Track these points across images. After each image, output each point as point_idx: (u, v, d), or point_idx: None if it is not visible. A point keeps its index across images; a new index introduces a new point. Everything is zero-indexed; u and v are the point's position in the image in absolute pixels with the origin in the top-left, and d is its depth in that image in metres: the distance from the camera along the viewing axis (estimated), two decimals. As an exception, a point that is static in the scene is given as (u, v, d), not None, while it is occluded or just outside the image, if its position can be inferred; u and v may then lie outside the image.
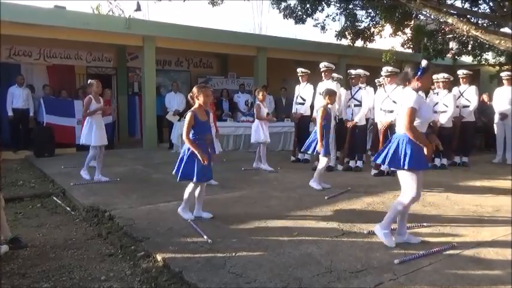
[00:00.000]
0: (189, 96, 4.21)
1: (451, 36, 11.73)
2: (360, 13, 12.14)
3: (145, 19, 11.70)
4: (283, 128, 9.92)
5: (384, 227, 3.48)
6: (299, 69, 7.86)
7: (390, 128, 6.18)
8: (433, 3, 8.46)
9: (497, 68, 13.20)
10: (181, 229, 3.85)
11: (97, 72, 11.26)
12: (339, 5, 11.76)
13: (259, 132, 7.13)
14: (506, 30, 9.25)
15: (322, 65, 7.18)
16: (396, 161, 3.33)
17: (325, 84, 7.04)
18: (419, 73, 3.31)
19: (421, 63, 3.34)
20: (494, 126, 8.39)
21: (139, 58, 10.79)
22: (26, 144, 8.85)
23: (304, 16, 11.43)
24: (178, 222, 4.06)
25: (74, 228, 4.20)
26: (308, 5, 11.07)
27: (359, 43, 12.43)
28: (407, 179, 3.35)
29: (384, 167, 6.23)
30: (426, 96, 7.44)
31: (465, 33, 8.74)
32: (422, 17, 11.02)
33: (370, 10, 11.77)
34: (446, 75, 7.60)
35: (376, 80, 8.03)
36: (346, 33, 12.11)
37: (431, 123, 7.10)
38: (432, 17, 9.49)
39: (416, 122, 3.28)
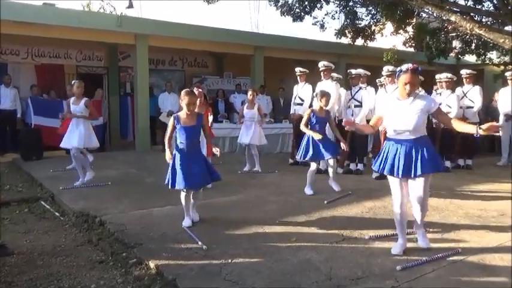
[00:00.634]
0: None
1: (454, 34, 11.78)
2: (360, 11, 12.16)
3: (137, 16, 11.70)
4: (281, 129, 9.93)
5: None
6: (297, 69, 7.88)
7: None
8: (436, 1, 8.49)
9: (502, 67, 13.26)
10: (175, 235, 3.84)
11: (87, 72, 11.23)
12: (338, 2, 11.78)
13: (243, 134, 7.26)
14: (510, 28, 9.30)
15: (321, 64, 7.20)
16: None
17: (324, 84, 7.07)
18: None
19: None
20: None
21: (132, 57, 10.76)
22: (13, 146, 8.80)
23: (302, 14, 11.44)
24: (172, 227, 4.05)
25: (63, 234, 4.17)
26: (306, 2, 11.09)
27: (359, 42, 12.45)
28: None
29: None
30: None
31: (468, 31, 8.79)
32: (424, 15, 11.07)
33: (371, 7, 11.80)
34: (449, 75, 7.63)
35: (377, 80, 8.06)
36: (346, 31, 12.13)
37: (433, 125, 7.13)
38: (434, 14, 9.54)
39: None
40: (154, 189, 5.74)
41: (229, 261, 3.23)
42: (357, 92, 7.07)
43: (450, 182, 6.40)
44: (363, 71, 7.44)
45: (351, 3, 11.77)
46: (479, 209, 4.83)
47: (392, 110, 3.37)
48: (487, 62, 13.65)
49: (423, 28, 11.14)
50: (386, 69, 6.68)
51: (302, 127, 5.52)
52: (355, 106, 7.01)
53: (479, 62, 13.53)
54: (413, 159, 3.28)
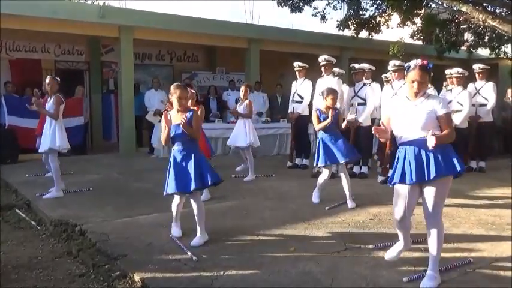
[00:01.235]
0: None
1: (465, 26, 11.86)
2: (364, 0, 12.24)
3: (121, 7, 11.69)
4: (278, 129, 9.93)
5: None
6: (296, 64, 7.89)
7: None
8: (446, -10, 8.56)
9: (517, 62, 13.37)
10: (163, 245, 3.84)
11: (67, 68, 11.20)
12: (340, -9, 11.87)
13: (238, 136, 7.16)
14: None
15: (322, 59, 7.21)
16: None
17: (325, 80, 7.07)
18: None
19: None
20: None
21: (115, 51, 10.75)
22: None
23: (301, 4, 11.48)
24: (159, 237, 4.05)
25: (39, 245, 4.16)
26: (305, -9, 11.15)
27: (363, 34, 12.51)
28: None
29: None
30: (438, 94, 7.50)
31: (481, 23, 8.86)
32: (433, 5, 11.13)
33: (376, -3, 11.88)
34: (460, 70, 7.65)
35: (382, 76, 8.09)
36: (349, 23, 12.18)
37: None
38: (445, 5, 9.61)
39: None
40: (140, 195, 5.73)
41: (222, 273, 3.23)
42: (360, 88, 7.09)
43: (462, 186, 6.39)
44: (367, 66, 7.46)
45: (354, -8, 11.84)
46: (493, 215, 4.86)
47: (401, 112, 3.18)
48: (502, 56, 13.72)
49: (432, 19, 11.19)
50: (393, 63, 6.69)
51: (316, 127, 5.37)
52: (359, 104, 7.02)
53: (493, 56, 13.60)
54: (425, 161, 3.06)
